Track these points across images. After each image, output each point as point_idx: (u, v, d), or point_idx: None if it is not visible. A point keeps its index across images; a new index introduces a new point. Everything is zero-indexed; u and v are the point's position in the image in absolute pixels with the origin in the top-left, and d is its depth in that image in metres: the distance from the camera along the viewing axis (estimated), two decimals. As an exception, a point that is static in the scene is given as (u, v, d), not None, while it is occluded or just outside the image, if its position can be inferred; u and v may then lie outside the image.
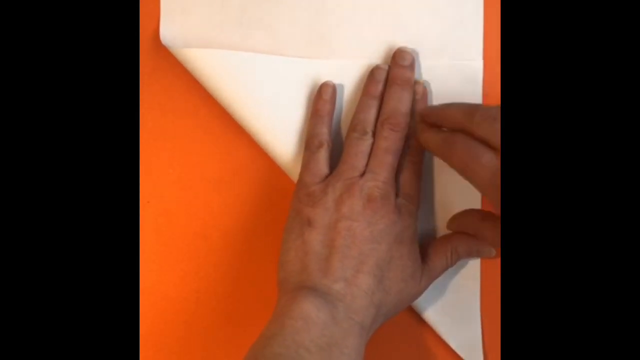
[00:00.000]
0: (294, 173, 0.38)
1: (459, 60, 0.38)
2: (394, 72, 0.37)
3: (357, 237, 0.34)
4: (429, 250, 0.37)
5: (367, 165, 0.35)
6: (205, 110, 0.40)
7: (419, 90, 0.37)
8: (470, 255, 0.37)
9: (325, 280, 0.33)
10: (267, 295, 0.39)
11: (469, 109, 0.33)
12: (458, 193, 0.38)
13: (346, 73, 0.38)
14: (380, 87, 0.37)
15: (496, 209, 0.32)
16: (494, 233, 0.35)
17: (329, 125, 0.37)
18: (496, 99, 0.38)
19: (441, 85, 0.38)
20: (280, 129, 0.38)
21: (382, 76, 0.37)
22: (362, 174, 0.35)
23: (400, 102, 0.36)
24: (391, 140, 0.35)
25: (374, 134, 0.36)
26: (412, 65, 0.37)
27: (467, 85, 0.38)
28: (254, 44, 0.39)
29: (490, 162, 0.31)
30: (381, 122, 0.36)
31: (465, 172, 0.32)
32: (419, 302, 0.38)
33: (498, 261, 0.39)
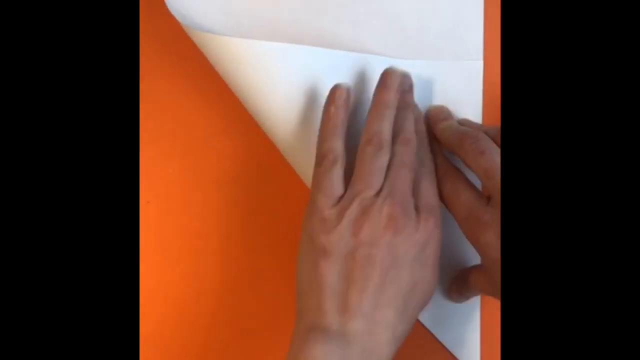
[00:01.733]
0: (300, 163, 0.37)
1: (459, 60, 0.38)
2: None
3: (377, 265, 0.31)
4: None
5: (384, 181, 0.33)
6: (205, 110, 0.40)
7: (406, 82, 0.36)
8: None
9: (341, 319, 0.31)
10: (267, 295, 0.40)
11: (460, 137, 0.34)
12: None
13: (346, 71, 0.38)
14: (392, 95, 0.35)
15: (469, 241, 0.33)
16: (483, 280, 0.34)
17: (342, 137, 0.34)
18: (496, 98, 0.38)
19: (441, 85, 0.38)
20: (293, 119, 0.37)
21: (394, 83, 0.35)
22: (379, 192, 0.32)
23: (406, 121, 0.35)
24: (405, 155, 0.33)
25: (390, 150, 0.34)
26: (411, 89, 0.36)
27: (467, 85, 0.38)
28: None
29: (466, 200, 0.33)
30: (394, 140, 0.34)
31: (448, 205, 0.34)
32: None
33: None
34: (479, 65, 0.38)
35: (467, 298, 0.37)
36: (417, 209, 0.33)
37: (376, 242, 0.31)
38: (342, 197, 0.33)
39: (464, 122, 0.37)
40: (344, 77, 0.37)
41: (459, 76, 0.38)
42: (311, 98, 0.36)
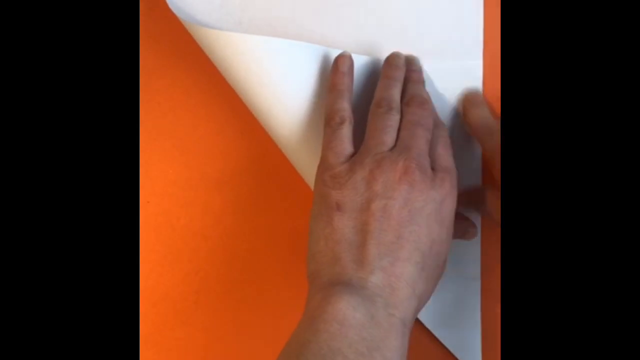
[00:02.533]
0: (300, 159, 0.37)
1: (459, 60, 0.38)
2: (408, 74, 0.37)
3: (394, 218, 0.30)
4: None
5: (396, 140, 0.32)
6: (205, 110, 0.40)
7: (415, 64, 0.37)
8: (456, 236, 0.36)
9: (360, 272, 0.29)
10: (267, 295, 0.40)
11: (492, 128, 0.35)
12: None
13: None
14: (398, 71, 0.36)
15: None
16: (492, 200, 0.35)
17: (349, 100, 0.34)
18: (496, 99, 0.38)
19: (441, 85, 0.38)
20: (294, 114, 0.36)
21: (399, 62, 0.36)
22: (392, 150, 0.32)
23: (421, 90, 0.35)
24: (420, 115, 0.33)
25: (399, 112, 0.34)
26: (421, 70, 0.37)
27: (467, 85, 0.38)
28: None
29: (483, 113, 0.35)
30: (407, 102, 0.34)
31: (467, 116, 0.36)
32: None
33: (498, 262, 0.39)
34: (478, 65, 0.38)
35: (473, 211, 0.38)
36: (433, 169, 0.32)
37: (392, 195, 0.30)
38: (352, 155, 0.33)
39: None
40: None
41: (459, 76, 0.38)
42: (311, 94, 0.36)
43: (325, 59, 0.37)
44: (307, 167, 0.37)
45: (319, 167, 0.33)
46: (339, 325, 0.28)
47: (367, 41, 0.38)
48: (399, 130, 0.33)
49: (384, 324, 0.29)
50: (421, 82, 0.37)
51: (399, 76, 0.36)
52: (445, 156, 0.33)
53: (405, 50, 0.38)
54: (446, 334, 0.38)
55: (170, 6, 0.37)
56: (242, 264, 0.40)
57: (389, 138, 0.32)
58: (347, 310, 0.28)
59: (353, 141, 0.33)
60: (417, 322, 0.38)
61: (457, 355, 0.38)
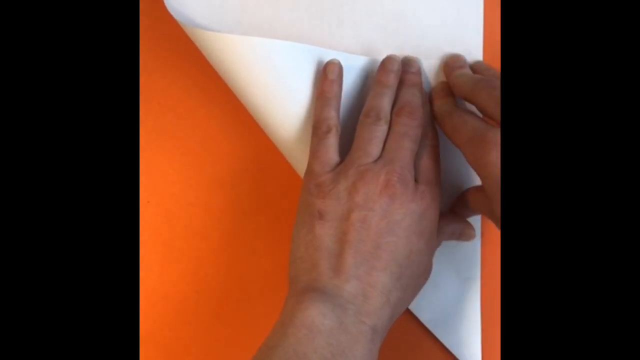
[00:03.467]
0: (299, 161, 0.37)
1: (459, 60, 0.38)
2: (404, 76, 0.37)
3: (372, 229, 0.31)
4: None
5: (382, 151, 0.33)
6: (205, 110, 0.40)
7: (414, 65, 0.37)
8: (453, 237, 0.37)
9: (336, 280, 0.31)
10: (267, 295, 0.40)
11: (475, 81, 0.34)
12: (462, 179, 0.38)
13: (346, 70, 0.38)
14: (392, 77, 0.36)
15: (471, 164, 0.33)
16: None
17: (337, 108, 0.35)
18: (496, 99, 0.38)
19: (441, 85, 0.38)
20: (291, 116, 0.37)
21: (394, 66, 0.36)
22: (377, 160, 0.33)
23: (414, 97, 0.35)
24: (409, 126, 0.34)
25: (388, 123, 0.34)
26: (419, 71, 0.37)
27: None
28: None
29: (473, 124, 0.32)
30: (397, 112, 0.35)
31: (452, 133, 0.33)
32: (417, 304, 0.38)
33: (498, 262, 0.39)
34: (478, 65, 0.38)
35: (468, 216, 0.38)
36: (416, 180, 0.33)
37: (372, 206, 0.31)
38: (338, 164, 0.33)
39: (477, 68, 0.37)
40: (344, 77, 0.37)
41: (459, 76, 0.38)
42: (309, 96, 0.36)
43: (323, 61, 0.37)
44: (303, 165, 0.37)
45: (305, 175, 0.34)
46: (307, 330, 0.29)
47: (367, 41, 0.38)
48: (386, 139, 0.34)
49: (352, 330, 0.30)
50: (416, 85, 0.37)
51: (392, 82, 0.36)
52: (429, 169, 0.34)
53: (405, 50, 0.38)
54: (446, 334, 0.38)
55: (169, 9, 0.37)
56: (242, 264, 0.40)
57: (375, 149, 0.33)
58: (317, 317, 0.29)
59: (340, 149, 0.34)
60: (417, 322, 0.38)
61: (457, 355, 0.38)
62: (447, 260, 0.38)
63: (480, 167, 0.31)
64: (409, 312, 0.38)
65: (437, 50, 0.38)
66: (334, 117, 0.34)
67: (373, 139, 0.33)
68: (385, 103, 0.35)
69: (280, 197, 0.40)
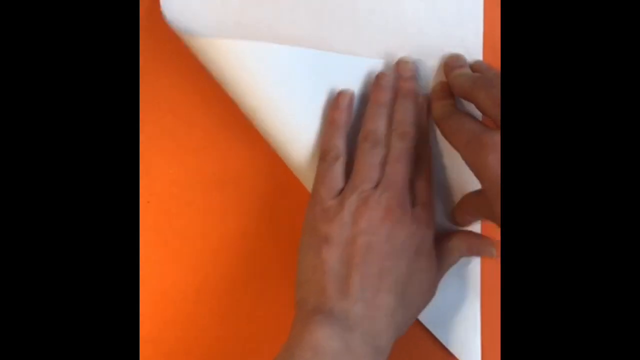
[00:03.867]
0: (298, 162, 0.37)
1: (459, 60, 0.38)
2: (398, 84, 0.37)
3: (377, 252, 0.33)
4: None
5: (382, 175, 0.35)
6: (205, 110, 0.40)
7: (407, 69, 0.37)
8: (472, 253, 0.37)
9: (343, 302, 0.32)
10: (266, 295, 0.40)
11: (473, 80, 0.34)
12: (460, 188, 0.38)
13: (346, 71, 0.38)
14: (387, 94, 0.37)
15: (470, 167, 0.33)
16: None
17: (345, 136, 0.36)
18: (496, 99, 0.38)
19: (441, 85, 0.38)
20: (291, 122, 0.37)
21: (388, 83, 0.37)
22: (377, 185, 0.34)
23: (407, 112, 0.36)
24: (402, 149, 0.35)
25: (386, 144, 0.35)
26: (414, 76, 0.37)
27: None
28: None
29: (471, 127, 0.33)
30: (392, 132, 0.36)
31: (451, 137, 0.34)
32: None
33: (498, 263, 0.39)
34: (478, 65, 0.38)
35: (469, 222, 0.38)
36: (413, 203, 0.35)
37: (375, 231, 0.33)
38: (342, 190, 0.35)
39: (477, 67, 0.38)
40: (343, 79, 0.38)
41: (459, 76, 0.38)
42: (310, 100, 0.36)
43: (320, 63, 0.37)
44: (303, 169, 0.37)
45: (311, 199, 0.35)
46: (313, 352, 0.30)
47: (367, 41, 0.38)
48: (385, 162, 0.35)
49: (358, 352, 0.31)
50: (409, 95, 0.37)
51: (387, 100, 0.37)
52: (424, 189, 0.36)
53: (405, 50, 0.38)
54: (446, 334, 0.38)
55: (166, 14, 0.37)
56: (242, 264, 0.40)
57: (375, 174, 0.35)
58: (323, 339, 0.31)
59: (345, 175, 0.35)
60: (417, 322, 0.38)
61: (457, 355, 0.38)
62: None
63: (479, 170, 0.32)
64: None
65: (437, 50, 0.38)
66: (341, 145, 0.36)
67: (373, 164, 0.35)
68: (381, 125, 0.36)
69: (281, 197, 0.40)
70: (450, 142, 0.34)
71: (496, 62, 0.38)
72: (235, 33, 0.38)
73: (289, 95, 0.36)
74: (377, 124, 0.36)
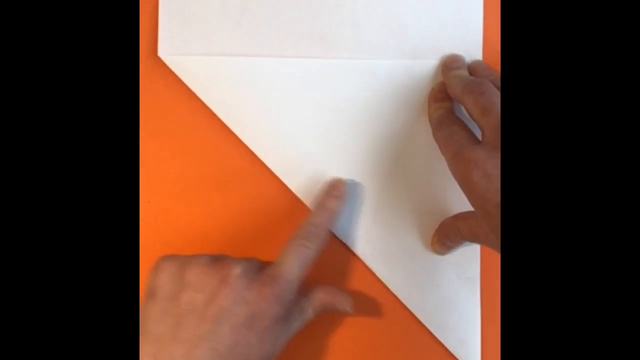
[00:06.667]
0: (289, 177, 0.38)
1: (459, 60, 0.38)
2: (323, 199, 0.37)
3: (197, 313, 0.31)
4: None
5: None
6: (205, 110, 0.40)
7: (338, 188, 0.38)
8: (327, 309, 0.36)
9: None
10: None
11: (467, 84, 0.34)
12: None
13: (346, 72, 0.38)
14: (333, 202, 0.37)
15: (457, 181, 0.33)
16: (465, 225, 0.35)
17: (330, 225, 0.37)
18: (496, 99, 0.38)
19: (441, 85, 0.38)
20: (278, 136, 0.38)
21: (340, 193, 0.37)
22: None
23: (312, 231, 0.36)
24: (306, 247, 0.35)
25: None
26: (340, 196, 0.37)
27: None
28: (254, 45, 0.39)
29: (459, 140, 0.33)
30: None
31: (442, 146, 0.35)
32: (417, 304, 0.38)
33: (498, 262, 0.39)
34: (478, 65, 0.38)
35: (450, 248, 0.38)
36: (263, 272, 0.34)
37: (202, 289, 0.32)
38: (298, 280, 0.35)
39: (475, 67, 0.38)
40: (343, 83, 0.38)
41: (459, 76, 0.38)
42: (306, 107, 0.37)
43: (320, 70, 0.38)
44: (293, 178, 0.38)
45: (265, 276, 0.34)
46: None
47: (367, 41, 0.38)
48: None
49: None
50: (327, 210, 0.37)
51: (333, 206, 0.37)
52: (288, 265, 0.34)
53: (405, 50, 0.38)
54: (446, 334, 0.38)
55: (163, 54, 0.38)
56: (242, 264, 0.40)
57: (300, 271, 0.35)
58: None
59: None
60: (417, 322, 0.38)
61: (457, 355, 0.38)
62: (446, 260, 0.38)
63: (464, 185, 0.32)
64: (408, 312, 0.38)
65: (437, 50, 0.38)
66: (322, 234, 0.36)
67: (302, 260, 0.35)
68: (323, 223, 0.36)
69: (281, 197, 0.40)
70: (441, 151, 0.35)
71: (496, 62, 0.38)
72: (235, 34, 0.39)
73: (278, 107, 0.37)
74: (317, 220, 0.36)
